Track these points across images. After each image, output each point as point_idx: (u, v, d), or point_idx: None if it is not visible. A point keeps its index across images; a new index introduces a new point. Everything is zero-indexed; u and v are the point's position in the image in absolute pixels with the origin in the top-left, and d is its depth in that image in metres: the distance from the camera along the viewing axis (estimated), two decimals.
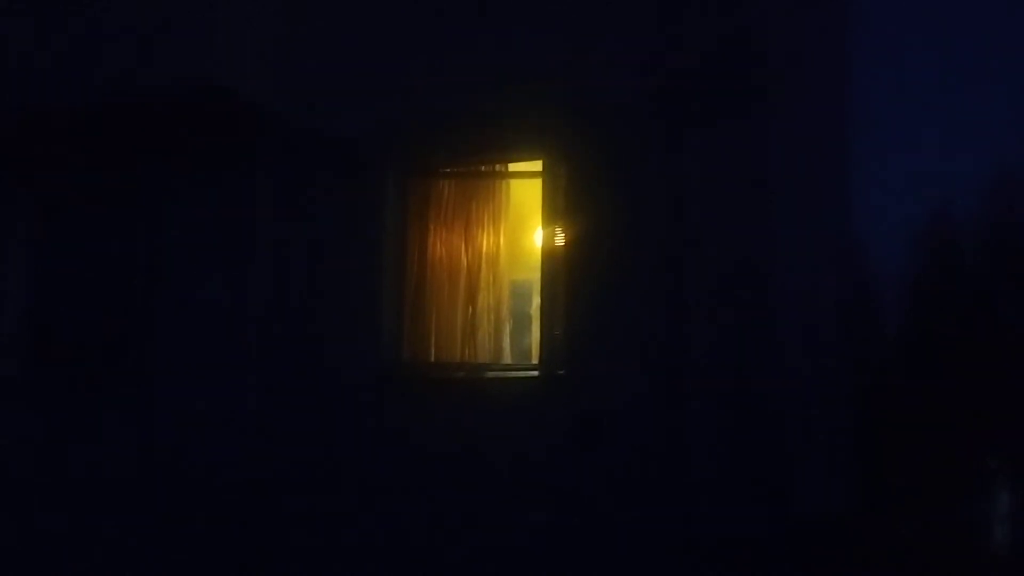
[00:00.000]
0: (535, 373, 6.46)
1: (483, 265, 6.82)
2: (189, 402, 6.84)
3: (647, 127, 6.25)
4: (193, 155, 7.15)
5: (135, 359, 7.11)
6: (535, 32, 6.56)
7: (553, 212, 6.50)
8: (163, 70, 6.65)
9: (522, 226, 7.09)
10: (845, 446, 7.31)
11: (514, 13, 6.64)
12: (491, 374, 6.62)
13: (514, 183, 6.96)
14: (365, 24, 6.98)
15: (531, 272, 6.98)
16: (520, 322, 7.20)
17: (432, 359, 6.82)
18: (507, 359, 6.85)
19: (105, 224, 7.41)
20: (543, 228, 6.58)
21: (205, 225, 7.07)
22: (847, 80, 8.61)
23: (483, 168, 6.99)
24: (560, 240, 6.46)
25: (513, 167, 6.93)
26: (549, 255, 6.49)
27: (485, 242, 6.83)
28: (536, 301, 6.80)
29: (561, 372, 6.29)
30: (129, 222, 7.34)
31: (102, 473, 6.91)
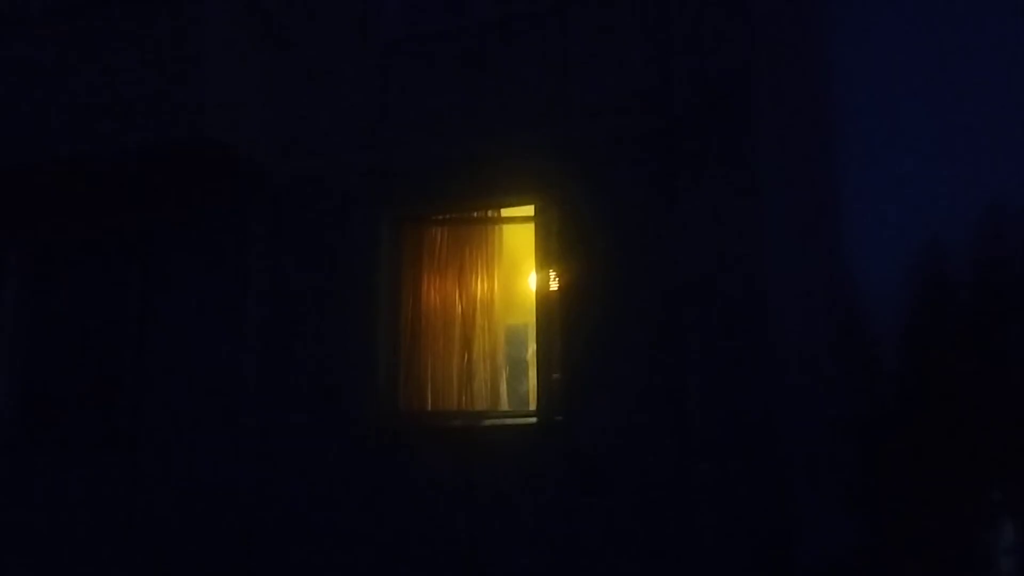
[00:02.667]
0: (533, 420, 6.37)
1: (478, 311, 6.78)
2: (181, 453, 6.77)
3: (637, 168, 6.25)
4: (185, 207, 7.16)
5: (126, 415, 7.03)
6: (524, 77, 6.59)
7: (546, 256, 6.47)
8: (155, 123, 6.65)
9: (516, 271, 7.08)
10: (848, 487, 7.23)
11: (502, 59, 6.67)
12: (489, 422, 6.54)
13: (507, 228, 6.95)
14: (355, 74, 7.01)
15: (526, 317, 6.94)
16: (516, 368, 7.14)
17: (429, 407, 6.75)
18: (504, 406, 6.77)
19: (96, 277, 7.38)
20: (537, 272, 6.54)
21: (198, 277, 7.04)
22: (839, 115, 8.66)
23: (475, 214, 6.98)
24: (554, 284, 6.41)
25: (505, 212, 6.93)
26: (544, 299, 6.44)
27: (479, 288, 6.80)
28: (532, 346, 6.74)
29: (559, 418, 6.21)
30: (121, 275, 7.31)
31: (90, 534, 6.81)
